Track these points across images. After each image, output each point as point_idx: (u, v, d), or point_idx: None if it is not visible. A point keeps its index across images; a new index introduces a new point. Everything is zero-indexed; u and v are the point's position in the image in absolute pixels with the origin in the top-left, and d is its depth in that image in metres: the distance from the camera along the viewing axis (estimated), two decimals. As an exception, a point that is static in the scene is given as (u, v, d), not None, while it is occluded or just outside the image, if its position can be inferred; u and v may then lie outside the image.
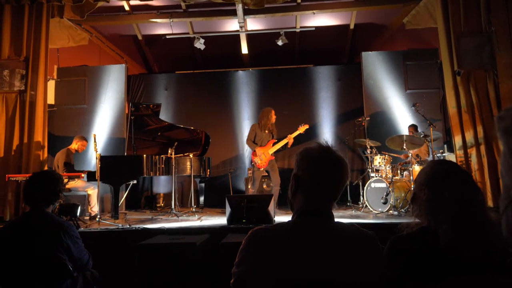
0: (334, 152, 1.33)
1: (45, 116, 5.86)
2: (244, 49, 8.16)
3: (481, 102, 5.28)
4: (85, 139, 6.06)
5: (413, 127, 6.28)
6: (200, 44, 7.22)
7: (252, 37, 7.91)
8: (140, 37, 8.02)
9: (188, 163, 6.05)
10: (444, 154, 5.85)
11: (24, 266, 2.16)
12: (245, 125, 8.03)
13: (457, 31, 5.40)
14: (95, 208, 5.40)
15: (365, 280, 1.19)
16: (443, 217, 1.33)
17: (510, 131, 0.51)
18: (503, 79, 5.21)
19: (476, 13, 5.40)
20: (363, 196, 5.63)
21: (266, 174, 6.08)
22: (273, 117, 5.77)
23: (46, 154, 5.84)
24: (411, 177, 5.24)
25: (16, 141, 5.65)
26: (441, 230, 1.31)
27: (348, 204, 6.14)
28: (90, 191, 5.47)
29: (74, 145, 5.94)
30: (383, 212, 5.19)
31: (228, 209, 4.23)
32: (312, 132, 7.62)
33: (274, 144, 5.69)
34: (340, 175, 1.32)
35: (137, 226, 4.33)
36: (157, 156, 5.61)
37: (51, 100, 6.99)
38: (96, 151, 4.92)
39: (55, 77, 7.34)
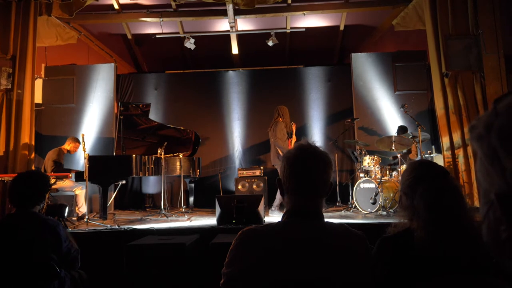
0: (312, 148, 1.32)
1: (32, 115, 5.78)
2: (235, 49, 8.15)
3: (468, 103, 5.35)
4: (78, 141, 5.95)
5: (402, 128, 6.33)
6: (190, 44, 7.19)
7: (243, 38, 7.90)
8: (129, 36, 7.96)
9: (178, 163, 6.02)
10: (432, 155, 5.91)
11: (10, 267, 2.13)
12: (235, 126, 8.01)
13: (445, 33, 5.47)
14: (82, 208, 5.34)
15: (355, 280, 1.19)
16: (416, 222, 1.35)
17: (482, 137, 0.52)
18: (489, 81, 5.29)
19: (464, 16, 5.48)
20: (352, 197, 5.66)
21: None
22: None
23: (33, 154, 5.76)
24: (400, 178, 5.29)
25: (2, 141, 5.55)
26: (415, 235, 1.32)
27: (337, 204, 6.20)
28: (77, 191, 5.40)
29: (67, 146, 5.88)
30: (372, 212, 5.23)
31: (218, 210, 4.22)
32: (302, 133, 7.63)
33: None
34: (318, 167, 1.29)
35: (126, 226, 4.29)
36: (146, 156, 5.57)
37: (38, 99, 6.89)
38: (85, 151, 4.86)
39: (43, 75, 7.24)
